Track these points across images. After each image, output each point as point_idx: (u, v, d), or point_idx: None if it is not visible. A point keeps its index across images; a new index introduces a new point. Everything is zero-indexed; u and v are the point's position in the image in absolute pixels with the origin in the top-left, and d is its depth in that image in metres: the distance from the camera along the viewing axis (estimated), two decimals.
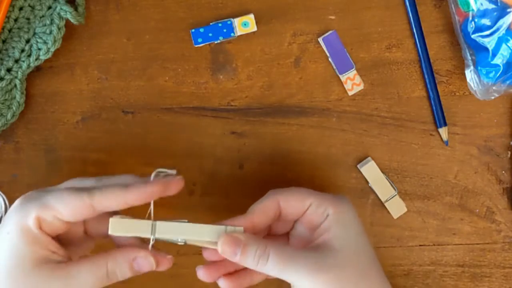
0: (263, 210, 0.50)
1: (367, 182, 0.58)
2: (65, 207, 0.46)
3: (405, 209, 0.58)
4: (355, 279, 0.47)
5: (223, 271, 0.51)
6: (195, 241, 0.49)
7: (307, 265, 0.47)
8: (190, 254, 0.58)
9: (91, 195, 0.47)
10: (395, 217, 0.58)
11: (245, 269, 0.50)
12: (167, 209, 0.57)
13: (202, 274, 0.50)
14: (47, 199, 0.47)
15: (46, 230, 0.47)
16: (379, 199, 0.58)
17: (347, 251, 0.48)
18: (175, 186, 0.48)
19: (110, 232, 0.48)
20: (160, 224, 0.48)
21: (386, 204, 0.58)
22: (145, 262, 0.48)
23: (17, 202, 0.48)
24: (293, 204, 0.50)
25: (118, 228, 0.48)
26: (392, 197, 0.58)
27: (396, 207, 0.58)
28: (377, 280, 0.49)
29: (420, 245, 0.59)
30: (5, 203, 0.58)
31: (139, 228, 0.48)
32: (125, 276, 0.48)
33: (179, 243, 0.49)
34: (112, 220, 0.48)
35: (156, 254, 0.49)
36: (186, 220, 0.49)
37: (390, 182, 0.58)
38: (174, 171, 0.48)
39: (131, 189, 0.47)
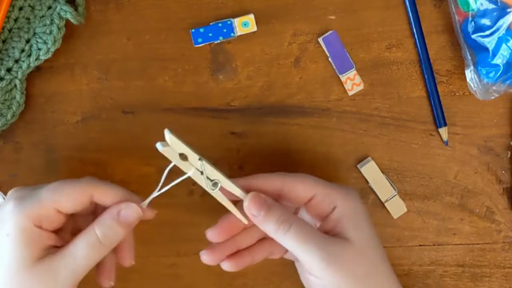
0: (265, 183, 0.50)
1: (367, 182, 0.58)
2: (67, 197, 0.48)
3: (405, 209, 0.58)
4: (367, 274, 0.48)
5: (225, 253, 0.51)
6: (226, 191, 0.49)
7: (323, 250, 0.47)
8: (190, 254, 0.58)
9: (93, 186, 0.49)
10: (395, 217, 0.58)
11: (246, 249, 0.51)
12: (167, 208, 0.58)
13: (206, 257, 0.51)
14: (46, 194, 0.48)
15: (45, 226, 0.48)
16: (379, 199, 0.58)
17: (360, 244, 0.48)
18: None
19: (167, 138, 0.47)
20: (204, 163, 0.48)
21: (386, 204, 0.58)
22: (130, 210, 0.49)
23: (12, 202, 0.48)
24: (298, 192, 0.50)
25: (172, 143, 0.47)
26: (392, 197, 0.58)
27: (396, 207, 0.58)
28: (386, 275, 0.49)
29: (420, 245, 0.59)
30: None
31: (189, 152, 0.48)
32: (117, 235, 0.48)
33: (210, 189, 0.49)
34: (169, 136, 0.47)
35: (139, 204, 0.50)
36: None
37: (390, 182, 0.58)
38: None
39: (129, 195, 0.50)
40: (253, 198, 0.48)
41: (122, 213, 0.48)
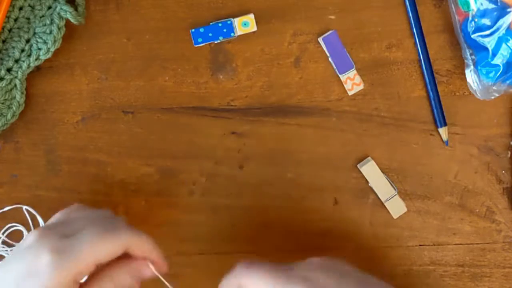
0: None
1: (367, 182, 0.58)
2: (107, 252, 0.47)
3: (405, 209, 0.58)
4: None
5: None
6: None
7: None
8: (190, 254, 0.58)
9: (131, 239, 0.48)
10: (395, 217, 0.58)
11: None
12: (167, 209, 0.58)
13: None
14: (86, 249, 0.46)
15: (79, 279, 0.47)
16: (379, 199, 0.58)
17: None
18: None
19: None
20: None
21: (386, 204, 0.58)
22: (148, 272, 0.49)
23: (50, 256, 0.46)
24: None
25: None
26: (392, 197, 0.58)
27: (396, 207, 0.58)
28: None
29: (420, 245, 0.59)
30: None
31: None
32: None
33: None
34: None
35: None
36: None
37: (390, 182, 0.58)
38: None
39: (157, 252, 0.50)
40: None
41: (141, 273, 0.49)
